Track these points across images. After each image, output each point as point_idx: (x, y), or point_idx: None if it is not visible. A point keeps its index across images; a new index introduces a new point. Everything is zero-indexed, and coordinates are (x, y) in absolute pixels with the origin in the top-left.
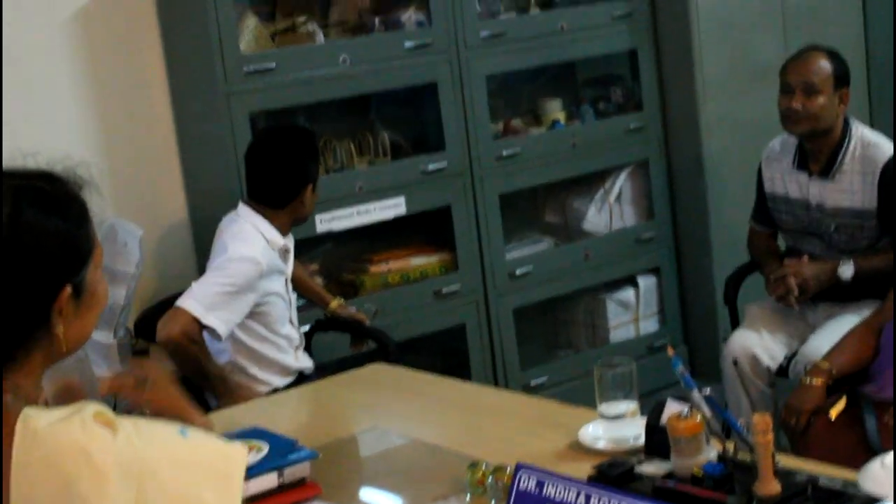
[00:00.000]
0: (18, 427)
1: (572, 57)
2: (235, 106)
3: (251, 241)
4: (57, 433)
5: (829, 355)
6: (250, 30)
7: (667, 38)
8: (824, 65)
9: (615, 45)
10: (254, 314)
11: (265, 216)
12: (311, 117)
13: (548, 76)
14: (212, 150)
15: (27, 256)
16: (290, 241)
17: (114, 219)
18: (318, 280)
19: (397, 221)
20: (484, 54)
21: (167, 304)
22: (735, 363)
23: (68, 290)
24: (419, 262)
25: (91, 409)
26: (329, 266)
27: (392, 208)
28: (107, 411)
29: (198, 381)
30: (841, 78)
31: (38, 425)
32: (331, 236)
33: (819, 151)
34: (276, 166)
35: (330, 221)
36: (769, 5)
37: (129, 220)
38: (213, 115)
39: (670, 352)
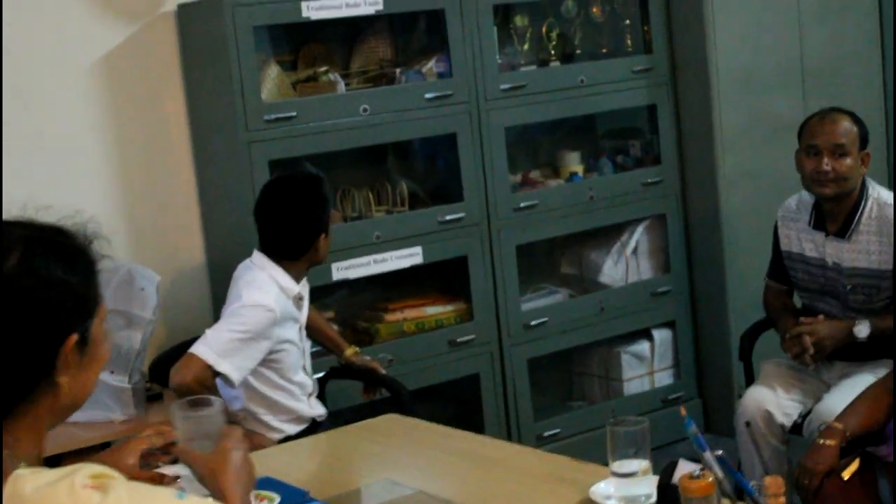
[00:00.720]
0: (6, 489)
1: (592, 110)
2: (256, 153)
3: (265, 289)
4: (42, 499)
5: (843, 416)
6: (272, 78)
7: (686, 93)
8: (851, 127)
9: (634, 99)
10: (267, 361)
11: (279, 264)
12: (331, 166)
13: (567, 129)
14: (231, 196)
15: (35, 303)
16: (304, 289)
17: (131, 264)
18: (334, 327)
19: (414, 270)
20: (504, 106)
21: (183, 349)
22: (748, 424)
23: (74, 338)
24: (434, 311)
25: (87, 470)
26: (344, 314)
27: (409, 257)
28: (108, 472)
29: None
30: (864, 139)
31: (24, 490)
32: (347, 284)
33: (837, 212)
34: (286, 220)
35: (346, 269)
36: (788, 62)
37: (147, 265)
38: (233, 162)
39: (683, 412)
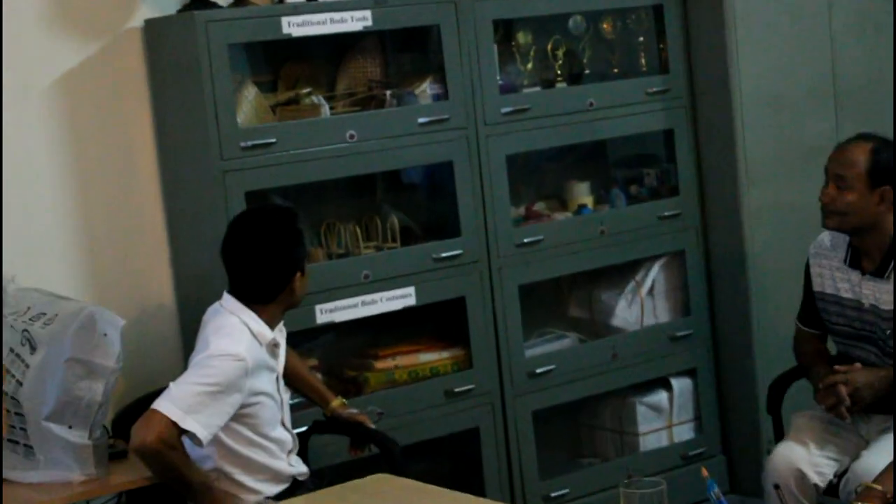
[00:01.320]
0: None
1: (602, 136)
2: (231, 183)
3: (235, 336)
4: None
5: (883, 476)
6: (249, 101)
7: (706, 117)
8: (860, 159)
9: (649, 123)
10: (240, 416)
11: (251, 307)
12: (314, 197)
13: (575, 157)
14: (204, 231)
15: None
16: (281, 335)
17: (93, 307)
18: (318, 376)
19: (406, 313)
20: (505, 131)
21: (149, 401)
22: (777, 487)
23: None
24: (429, 358)
25: None
26: (329, 361)
27: (401, 299)
28: None
29: (179, 490)
30: (881, 174)
31: None
32: (332, 328)
33: (870, 249)
34: (256, 259)
35: (331, 312)
36: (820, 82)
37: (110, 308)
38: (206, 193)
39: (704, 473)
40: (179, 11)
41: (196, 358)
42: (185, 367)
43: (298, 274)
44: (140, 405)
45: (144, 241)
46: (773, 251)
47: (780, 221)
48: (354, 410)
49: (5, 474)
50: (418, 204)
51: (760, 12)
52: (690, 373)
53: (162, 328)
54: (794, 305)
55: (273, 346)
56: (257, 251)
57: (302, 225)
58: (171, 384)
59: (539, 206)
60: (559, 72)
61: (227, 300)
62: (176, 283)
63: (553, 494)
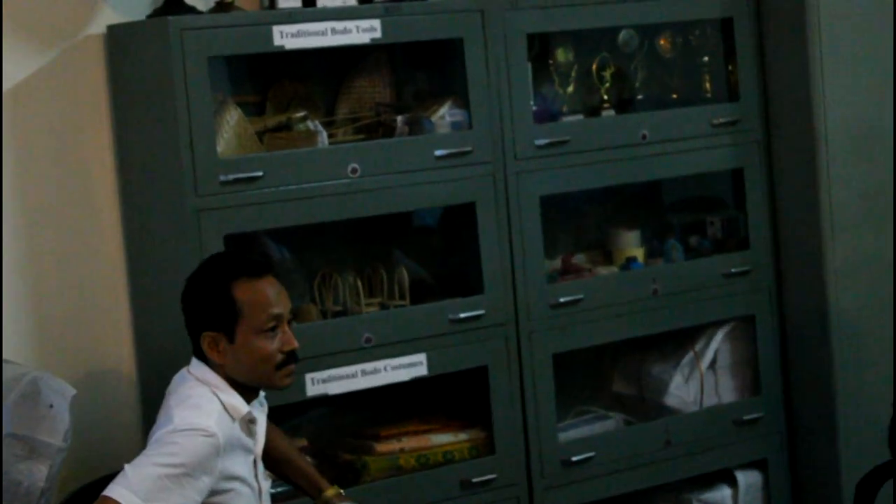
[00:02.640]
0: None
1: (657, 175)
2: (208, 225)
3: (204, 408)
4: None
5: None
6: (231, 126)
7: (783, 156)
8: None
9: (714, 161)
10: None
11: (220, 374)
12: (307, 243)
13: (623, 199)
14: (173, 282)
15: None
16: (260, 410)
17: (37, 372)
18: (308, 459)
19: (416, 385)
20: (539, 167)
21: (102, 485)
22: None
23: None
24: (442, 440)
25: None
26: (322, 442)
27: (409, 368)
28: None
29: None
30: None
31: None
32: (325, 402)
33: None
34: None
35: (325, 383)
36: None
37: (58, 374)
38: (177, 237)
39: None
40: (149, 16)
41: (157, 434)
42: (144, 446)
43: (208, 337)
44: (91, 491)
45: (101, 294)
46: (863, 317)
47: (871, 280)
48: (353, 502)
49: None
50: (433, 253)
51: (850, 29)
52: (760, 465)
53: (119, 400)
54: (889, 384)
55: (248, 423)
56: (183, 301)
57: (228, 285)
58: (127, 466)
59: (579, 259)
60: (606, 97)
61: (195, 366)
62: (137, 345)
63: None
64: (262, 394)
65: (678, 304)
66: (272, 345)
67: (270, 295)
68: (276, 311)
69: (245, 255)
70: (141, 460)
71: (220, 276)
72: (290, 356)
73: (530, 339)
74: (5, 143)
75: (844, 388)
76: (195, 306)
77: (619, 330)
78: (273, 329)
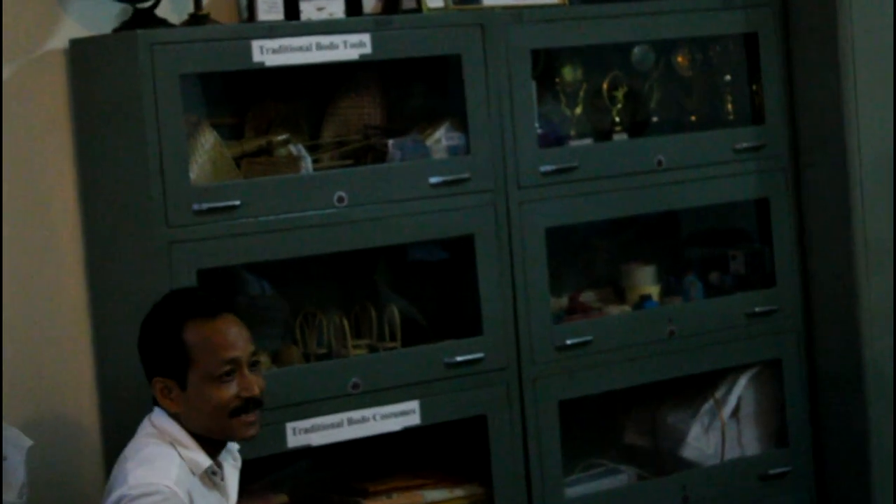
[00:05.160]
0: None
1: (674, 206)
2: (179, 259)
3: (162, 464)
4: None
5: None
6: (206, 150)
7: (814, 184)
8: None
9: (737, 190)
10: None
11: (181, 423)
12: (289, 279)
13: (637, 232)
14: (140, 323)
15: None
16: (230, 464)
17: None
18: None
19: (407, 436)
20: (544, 196)
21: None
22: None
23: None
24: (437, 496)
25: None
26: (303, 498)
27: (401, 417)
28: None
29: None
30: None
31: None
32: (308, 453)
33: None
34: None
35: (308, 433)
36: None
37: (13, 423)
38: (145, 273)
39: None
40: (116, 30)
41: (111, 497)
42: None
43: (159, 384)
44: None
45: (60, 335)
46: None
47: None
48: None
49: None
50: (427, 290)
51: (887, 45)
52: None
53: (80, 451)
54: None
55: (210, 475)
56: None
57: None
58: None
59: (588, 297)
60: (618, 119)
61: (157, 414)
62: (100, 392)
63: None
64: (236, 447)
65: (697, 347)
66: (227, 392)
67: (226, 337)
68: (230, 354)
69: (201, 292)
70: None
71: (171, 318)
72: (249, 402)
73: (534, 386)
74: None
75: (880, 439)
76: (146, 350)
77: (632, 375)
78: (229, 374)
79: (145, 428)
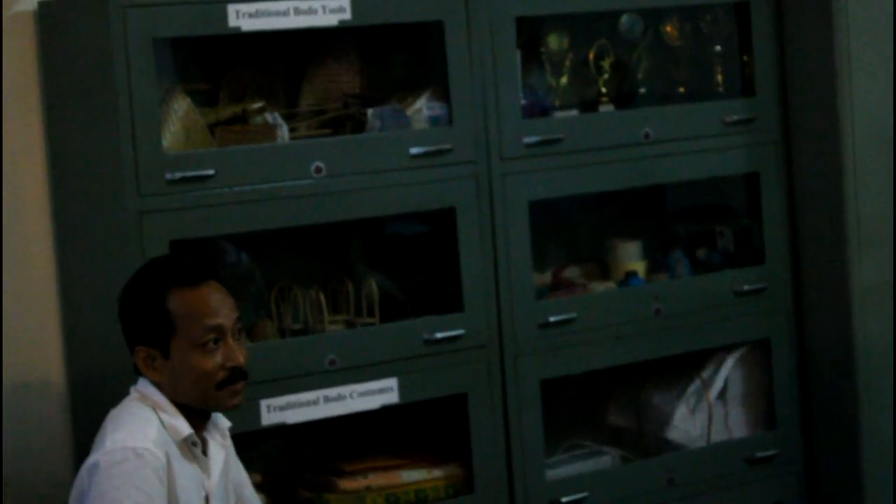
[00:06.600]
0: None
1: (661, 179)
2: (151, 229)
3: (140, 425)
4: None
5: None
6: (179, 117)
7: (804, 159)
8: None
9: (726, 164)
10: None
11: (162, 391)
12: (264, 251)
13: (622, 206)
14: (111, 294)
15: None
16: (217, 443)
17: None
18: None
19: (385, 414)
20: (528, 169)
21: None
22: None
23: None
24: (415, 477)
25: None
26: (277, 477)
27: (378, 395)
28: None
29: None
30: None
31: None
32: (282, 432)
33: None
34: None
35: (282, 410)
36: None
37: None
38: (116, 243)
39: None
40: None
41: (89, 460)
42: (76, 470)
43: (142, 352)
44: None
45: (27, 307)
46: (892, 342)
47: None
48: None
49: None
50: (406, 265)
51: (883, 15)
52: None
53: (48, 423)
54: None
55: (191, 445)
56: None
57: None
58: None
59: (572, 273)
60: (604, 90)
61: (141, 383)
62: (68, 363)
63: None
64: (227, 425)
65: (683, 326)
66: (212, 361)
67: (210, 304)
68: (214, 321)
69: (184, 259)
70: None
71: (154, 285)
72: (235, 373)
73: (515, 364)
74: None
75: (870, 422)
76: (128, 318)
77: (617, 354)
78: (214, 342)
79: (130, 395)
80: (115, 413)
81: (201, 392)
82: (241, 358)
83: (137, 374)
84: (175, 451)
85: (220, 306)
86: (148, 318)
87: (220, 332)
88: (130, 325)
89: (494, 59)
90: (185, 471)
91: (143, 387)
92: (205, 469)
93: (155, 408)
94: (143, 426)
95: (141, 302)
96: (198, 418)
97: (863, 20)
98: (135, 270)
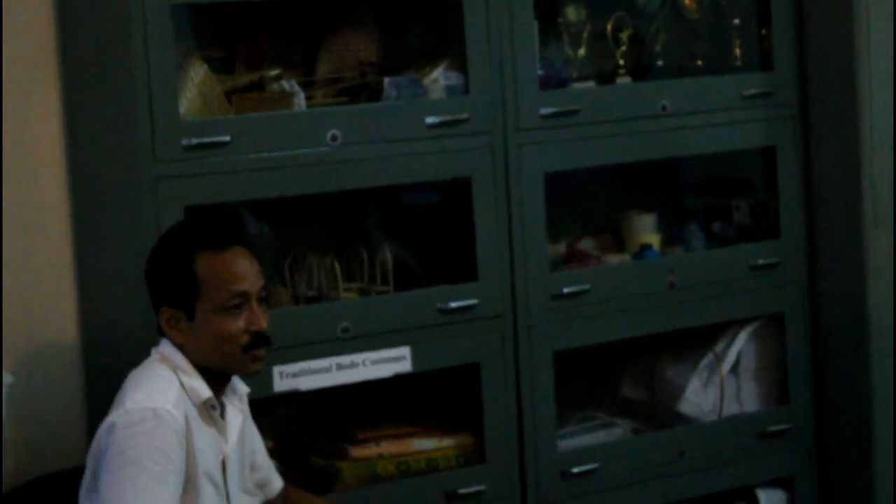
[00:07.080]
0: None
1: (677, 152)
2: (167, 195)
3: (160, 385)
4: None
5: None
6: (196, 84)
7: (822, 132)
8: None
9: (743, 137)
10: None
11: (186, 355)
12: (279, 218)
13: (638, 179)
14: (126, 259)
15: None
16: (234, 407)
17: None
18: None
19: (398, 383)
20: (544, 140)
21: (42, 483)
22: None
23: None
24: (426, 445)
25: None
26: (290, 444)
27: (391, 363)
28: None
29: None
30: None
31: None
32: (295, 398)
33: None
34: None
35: (295, 377)
36: None
37: None
38: (131, 208)
39: None
40: None
41: (107, 420)
42: (89, 441)
43: (166, 313)
44: (31, 490)
45: (44, 273)
46: None
47: None
48: None
49: None
50: (421, 234)
51: None
52: (785, 483)
53: (61, 390)
54: None
55: (209, 408)
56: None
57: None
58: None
59: (586, 245)
60: (622, 62)
61: (163, 344)
62: (83, 328)
63: None
64: (245, 391)
65: (697, 299)
66: (236, 324)
67: (236, 269)
68: (240, 287)
69: (212, 223)
70: (112, 480)
71: (181, 248)
72: (258, 338)
73: (529, 334)
74: None
75: (883, 398)
76: (154, 280)
77: (630, 326)
78: (238, 307)
79: (151, 356)
80: (135, 373)
81: (223, 354)
82: (263, 323)
83: (161, 334)
84: (194, 414)
85: (246, 272)
86: (174, 279)
87: (244, 297)
88: (156, 286)
89: (512, 30)
90: (204, 434)
91: (165, 348)
92: (222, 433)
93: (175, 370)
94: (163, 387)
95: (168, 263)
96: (217, 382)
97: None
98: (157, 237)
